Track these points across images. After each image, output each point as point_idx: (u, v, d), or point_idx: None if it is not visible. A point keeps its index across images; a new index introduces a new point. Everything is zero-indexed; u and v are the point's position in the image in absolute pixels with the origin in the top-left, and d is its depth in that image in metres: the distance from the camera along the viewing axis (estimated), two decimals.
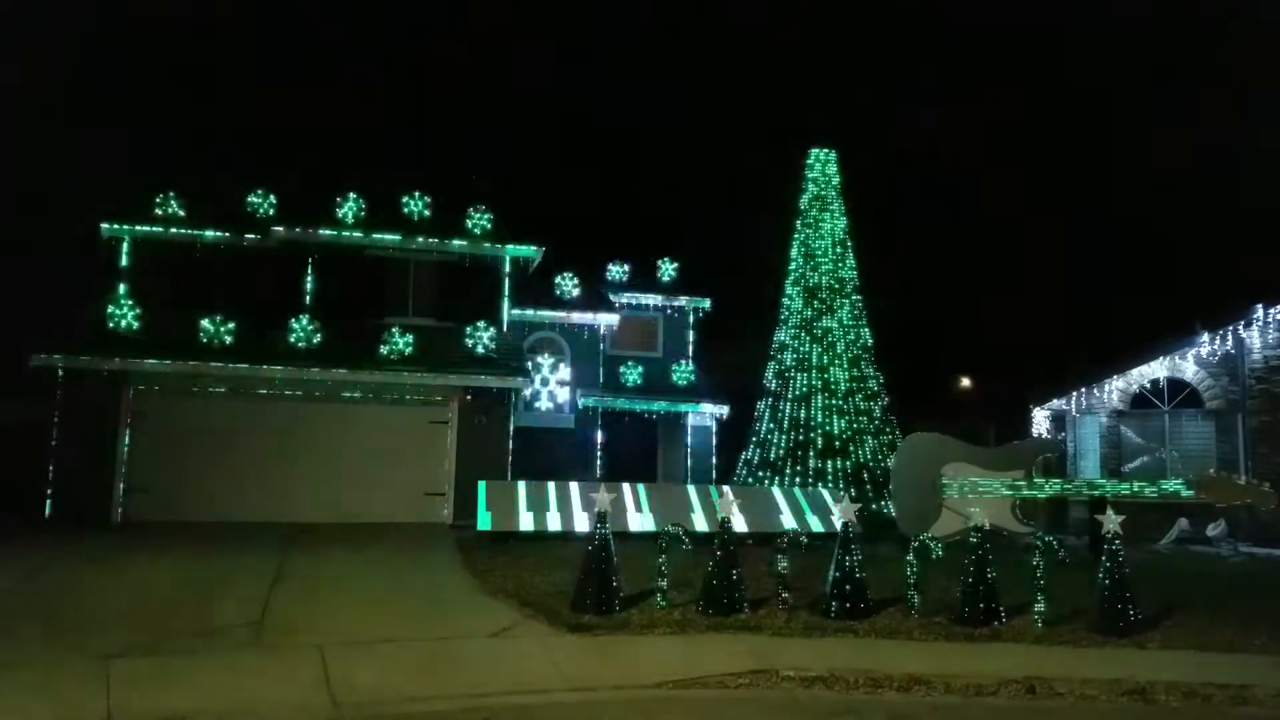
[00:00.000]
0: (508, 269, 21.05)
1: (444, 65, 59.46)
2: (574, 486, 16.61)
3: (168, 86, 48.20)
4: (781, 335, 23.78)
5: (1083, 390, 21.64)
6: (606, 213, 39.88)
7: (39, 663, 7.72)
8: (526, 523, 15.40)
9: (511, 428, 18.83)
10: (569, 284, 22.37)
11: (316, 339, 18.23)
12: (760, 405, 23.63)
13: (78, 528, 15.70)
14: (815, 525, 16.04)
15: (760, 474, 22.33)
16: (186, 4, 52.58)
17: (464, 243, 20.55)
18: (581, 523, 15.20)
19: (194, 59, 51.60)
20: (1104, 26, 59.20)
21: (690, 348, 24.02)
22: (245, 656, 8.24)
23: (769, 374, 23.75)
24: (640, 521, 15.48)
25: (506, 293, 21.03)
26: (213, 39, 53.15)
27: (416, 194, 20.60)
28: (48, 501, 16.49)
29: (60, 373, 16.85)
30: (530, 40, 63.35)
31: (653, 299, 23.90)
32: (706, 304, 24.14)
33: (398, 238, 20.20)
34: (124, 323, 17.46)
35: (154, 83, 48.35)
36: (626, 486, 16.35)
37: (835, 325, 23.09)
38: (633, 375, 22.07)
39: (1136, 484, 14.20)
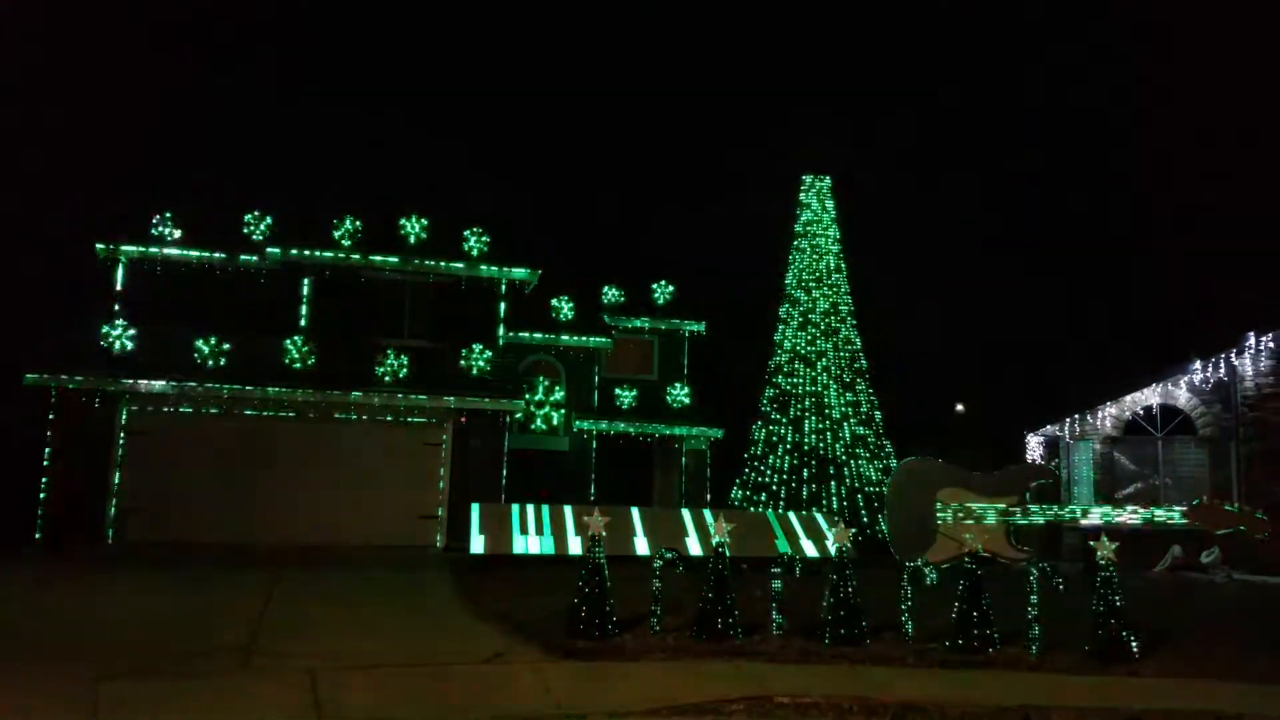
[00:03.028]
0: (503, 291, 21.09)
1: (441, 88, 59.85)
2: (568, 510, 16.58)
3: (166, 107, 48.41)
4: (776, 359, 23.85)
5: (1076, 416, 21.69)
6: (602, 236, 40.04)
7: (27, 685, 7.64)
8: (520, 546, 15.35)
9: (506, 450, 18.79)
10: (564, 307, 22.41)
11: (311, 360, 18.21)
12: (755, 429, 23.65)
13: (69, 547, 15.61)
14: (810, 550, 16.02)
15: (755, 497, 22.32)
16: (183, 26, 52.90)
17: (460, 265, 20.61)
18: (575, 546, 15.16)
19: (193, 78, 51.86)
20: (1103, 52, 59.85)
21: (685, 371, 24.05)
22: (235, 679, 8.17)
23: (764, 398, 23.79)
24: (634, 545, 15.44)
25: (502, 315, 21.07)
26: (211, 60, 53.45)
27: (413, 216, 20.68)
28: (39, 521, 16.40)
29: (54, 392, 16.80)
30: (528, 64, 63.81)
31: (647, 322, 23.95)
32: (701, 327, 24.20)
33: (394, 260, 20.24)
34: (119, 342, 17.44)
35: (152, 103, 48.55)
36: (621, 510, 16.31)
37: (830, 350, 23.18)
38: (627, 398, 22.07)
39: (1130, 510, 14.20)
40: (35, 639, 9.30)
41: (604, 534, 10.21)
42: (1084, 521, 14.15)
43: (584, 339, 22.37)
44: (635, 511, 16.66)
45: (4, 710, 7.07)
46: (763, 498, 22.10)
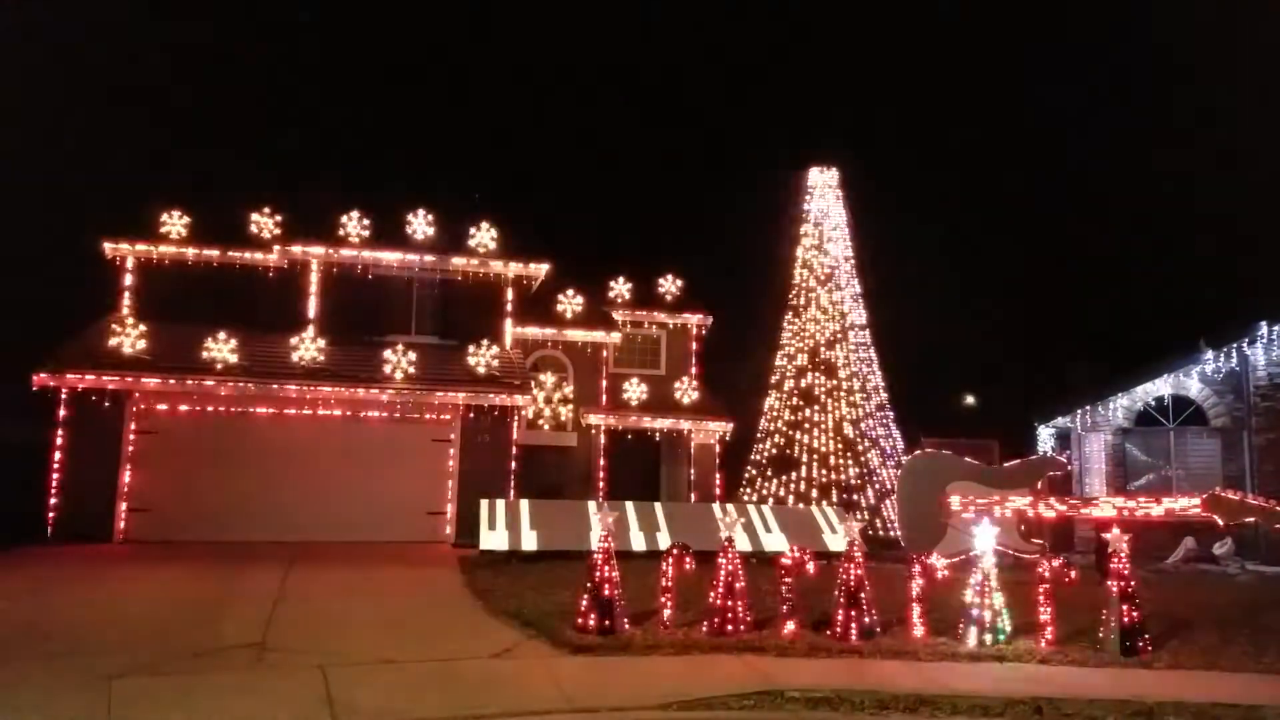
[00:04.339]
0: (511, 286, 21.07)
1: (448, 83, 59.81)
2: (576, 505, 16.56)
3: (173, 105, 48.50)
4: (785, 352, 23.78)
5: (1087, 408, 21.57)
6: (610, 229, 39.98)
7: (40, 683, 7.66)
8: (529, 542, 15.34)
9: (514, 446, 18.78)
10: (572, 301, 22.38)
11: (319, 357, 18.22)
12: (764, 422, 23.59)
13: (80, 547, 15.65)
14: (820, 544, 15.96)
15: (764, 492, 22.27)
16: (188, 24, 52.95)
17: (467, 261, 20.60)
18: (584, 542, 15.13)
19: (198, 77, 51.92)
20: (1108, 38, 59.49)
21: (693, 365, 23.99)
22: (247, 676, 8.18)
23: (772, 391, 23.73)
24: (643, 540, 15.41)
25: (509, 310, 21.04)
26: (216, 57, 53.52)
27: (420, 212, 20.66)
28: (49, 519, 16.45)
29: (63, 391, 16.84)
30: (534, 59, 63.75)
31: (656, 316, 23.90)
32: (710, 320, 24.13)
33: (401, 256, 20.25)
34: (127, 341, 17.47)
35: (159, 101, 48.66)
36: (629, 505, 16.29)
37: (839, 342, 23.09)
38: (635, 393, 22.03)
39: (1142, 502, 14.10)
40: (47, 637, 9.33)
41: (613, 529, 10.20)
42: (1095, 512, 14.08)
43: (592, 334, 22.34)
44: (644, 506, 16.63)
45: (18, 707, 7.09)
46: (771, 491, 22.04)
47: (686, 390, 22.60)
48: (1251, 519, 13.26)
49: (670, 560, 10.31)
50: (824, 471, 21.75)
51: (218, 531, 16.63)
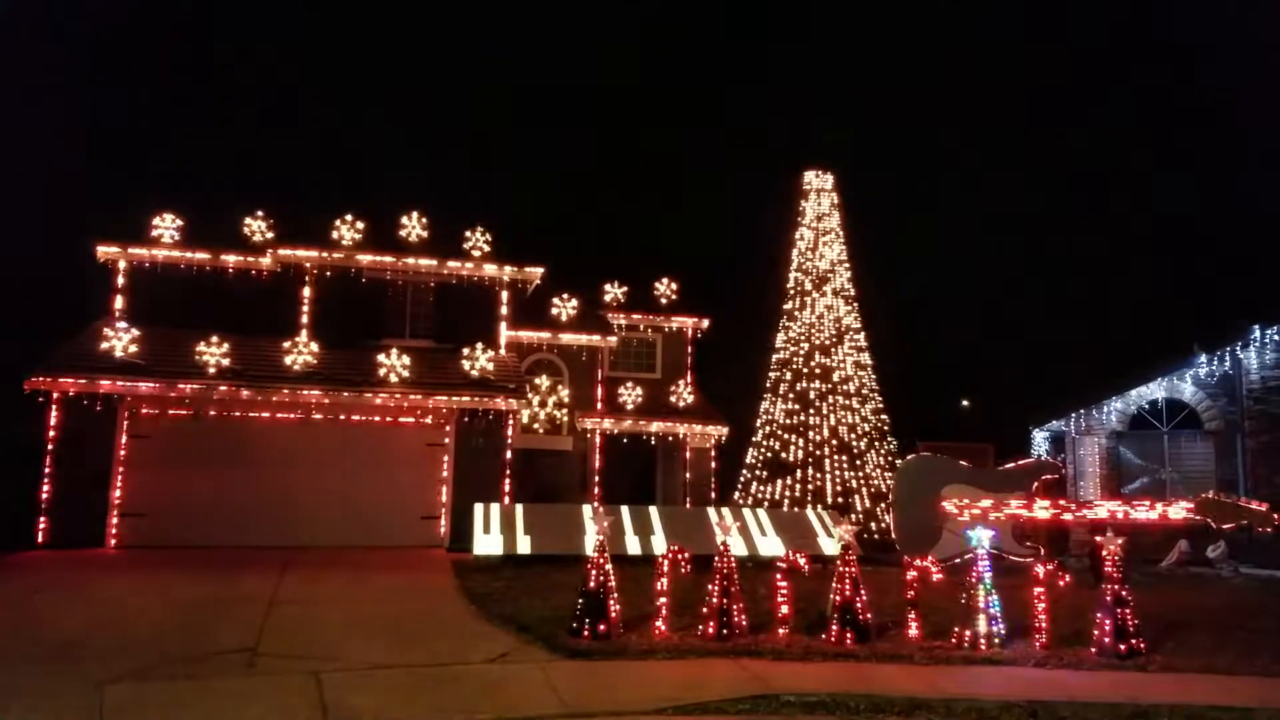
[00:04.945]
0: (506, 290, 21.04)
1: (445, 86, 59.80)
2: (572, 509, 16.54)
3: (167, 109, 48.42)
4: (780, 356, 23.78)
5: (1082, 411, 21.64)
6: (604, 233, 40.00)
7: (31, 690, 7.62)
8: (524, 546, 15.31)
9: (508, 450, 18.74)
10: (567, 305, 22.36)
11: (313, 360, 18.17)
12: (759, 426, 23.59)
13: (72, 553, 15.58)
14: (815, 547, 15.97)
15: (759, 495, 22.26)
16: (185, 28, 52.88)
17: (461, 264, 20.57)
18: (580, 546, 15.12)
19: (194, 80, 51.86)
20: (1105, 44, 59.70)
21: (689, 368, 23.98)
22: (240, 682, 8.15)
23: (768, 394, 23.73)
24: (639, 544, 15.39)
25: (504, 314, 21.01)
26: (211, 62, 53.45)
27: (414, 215, 20.63)
28: (41, 525, 16.37)
29: (55, 395, 16.77)
30: (531, 60, 63.76)
31: (651, 319, 23.87)
32: (705, 324, 24.12)
33: (394, 259, 20.21)
34: (119, 344, 17.40)
35: (153, 105, 48.58)
36: (625, 509, 16.27)
37: (834, 347, 23.10)
38: (631, 396, 22.02)
39: (1136, 505, 14.12)
40: (38, 643, 9.28)
41: (608, 534, 10.19)
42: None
43: (587, 337, 22.32)
44: (640, 511, 16.61)
45: (10, 714, 7.05)
46: (767, 496, 22.04)
47: (682, 394, 22.58)
48: (1244, 522, 13.28)
49: (666, 564, 10.29)
50: (819, 475, 21.75)
51: (211, 536, 16.56)
